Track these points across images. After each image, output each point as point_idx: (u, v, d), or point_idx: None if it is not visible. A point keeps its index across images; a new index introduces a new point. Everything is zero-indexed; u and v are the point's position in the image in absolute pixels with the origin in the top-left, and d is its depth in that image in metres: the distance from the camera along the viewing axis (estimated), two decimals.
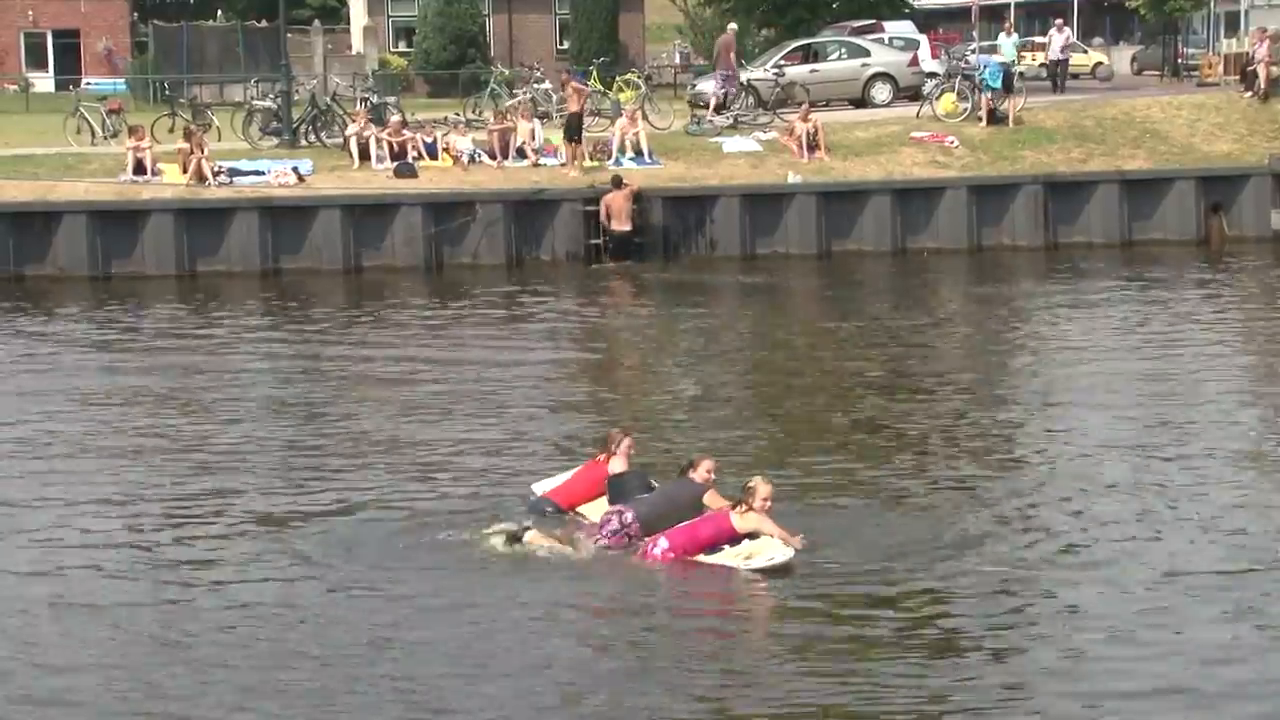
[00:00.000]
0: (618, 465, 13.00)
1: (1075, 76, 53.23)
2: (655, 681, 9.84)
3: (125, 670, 10.12)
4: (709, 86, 37.94)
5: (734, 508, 11.95)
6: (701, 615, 11.31)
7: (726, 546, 11.86)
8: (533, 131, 31.34)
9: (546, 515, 12.80)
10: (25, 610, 11.23)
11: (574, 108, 30.45)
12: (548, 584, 11.53)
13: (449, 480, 14.40)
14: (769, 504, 11.90)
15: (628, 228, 28.40)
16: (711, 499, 12.31)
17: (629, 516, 12.18)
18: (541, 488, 13.41)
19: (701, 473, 12.43)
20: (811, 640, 10.43)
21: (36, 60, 64.46)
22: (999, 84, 33.03)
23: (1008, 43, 36.99)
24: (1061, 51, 39.98)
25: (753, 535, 11.84)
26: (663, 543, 11.89)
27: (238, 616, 10.99)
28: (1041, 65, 41.10)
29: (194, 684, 9.85)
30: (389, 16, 61.12)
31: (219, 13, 74.75)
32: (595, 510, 12.81)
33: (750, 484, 11.98)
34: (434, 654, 10.25)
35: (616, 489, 12.78)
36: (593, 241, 28.73)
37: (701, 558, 11.86)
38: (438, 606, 11.07)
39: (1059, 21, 41.08)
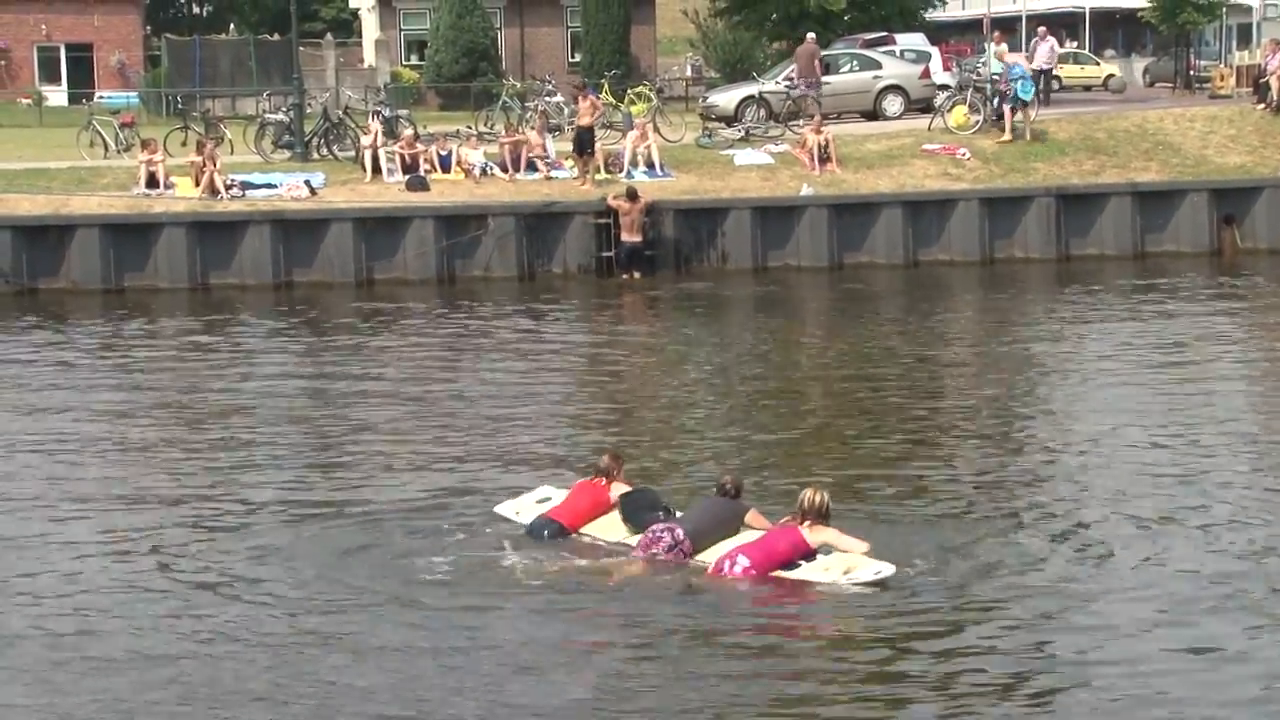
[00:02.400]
0: (620, 488, 12.89)
1: (1087, 88, 53.26)
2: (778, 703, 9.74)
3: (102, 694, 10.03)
4: (719, 100, 37.95)
5: (801, 522, 11.80)
6: (821, 634, 11.02)
7: (802, 562, 11.73)
8: (544, 144, 31.38)
9: (547, 538, 12.58)
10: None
11: (585, 121, 30.44)
12: (648, 603, 11.35)
13: (464, 494, 14.36)
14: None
15: (638, 239, 28.41)
16: (753, 518, 12.27)
17: (680, 534, 12.03)
18: (509, 509, 13.22)
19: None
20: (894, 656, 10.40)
21: (50, 74, 64.67)
22: (1029, 95, 32.77)
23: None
24: (1046, 61, 38.18)
25: (824, 548, 11.73)
26: (743, 560, 11.68)
27: (243, 629, 10.95)
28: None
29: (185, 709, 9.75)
30: (401, 30, 61.25)
31: (231, 26, 75.07)
32: (600, 529, 12.70)
33: (815, 498, 11.79)
34: (528, 677, 10.05)
35: (631, 507, 12.67)
36: (604, 254, 28.74)
37: (791, 574, 11.65)
38: (511, 627, 10.89)
39: (1042, 30, 40.22)
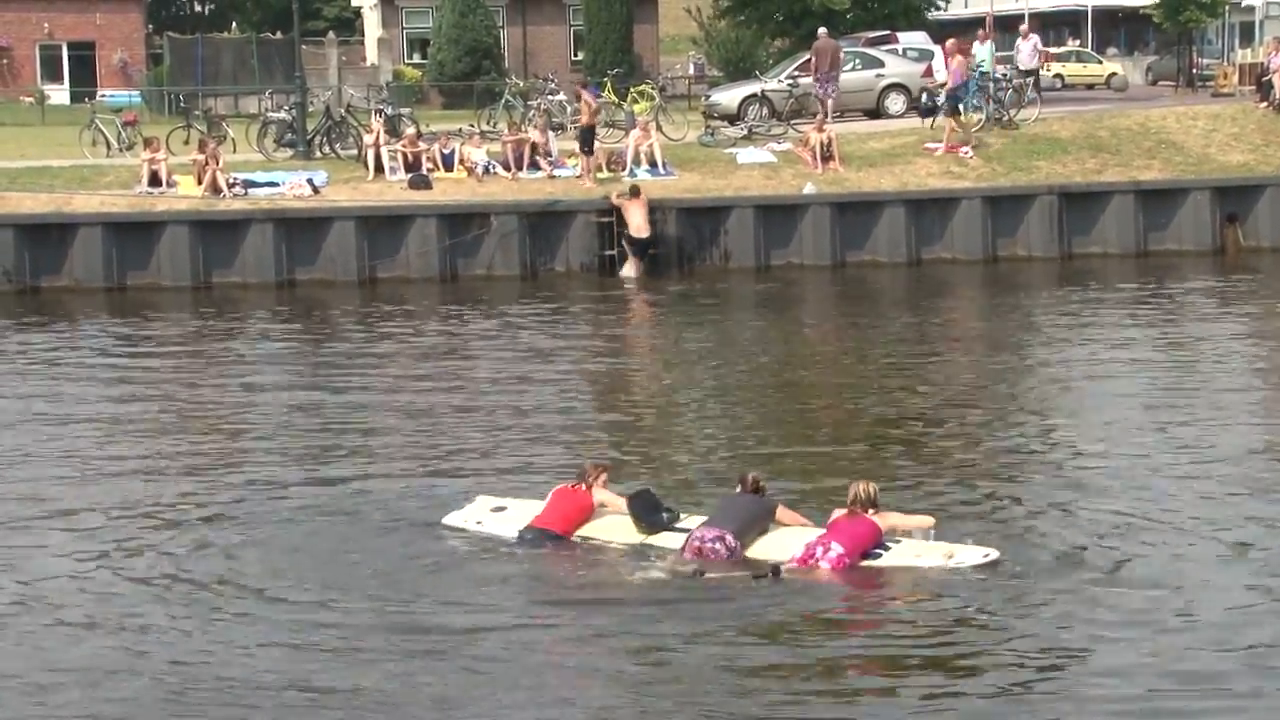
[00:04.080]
0: (601, 494, 12.81)
1: (1090, 87, 53.24)
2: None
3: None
4: (721, 98, 37.93)
5: (864, 511, 11.83)
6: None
7: (880, 550, 11.75)
8: (547, 143, 31.37)
9: (544, 544, 12.49)
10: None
11: (585, 120, 30.43)
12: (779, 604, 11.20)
13: (463, 496, 14.35)
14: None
15: (647, 234, 28.35)
16: (783, 514, 12.27)
17: (732, 539, 11.88)
18: (463, 518, 13.09)
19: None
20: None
21: (52, 72, 64.76)
22: (969, 108, 32.80)
23: (983, 50, 35.78)
24: (1030, 61, 37.43)
25: (891, 534, 11.85)
26: (836, 547, 11.61)
27: (250, 633, 10.93)
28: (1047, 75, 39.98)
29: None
30: (404, 28, 61.30)
31: (234, 25, 75.04)
32: (600, 532, 12.62)
33: (867, 488, 11.90)
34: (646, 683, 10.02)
35: (642, 508, 12.57)
36: (607, 252, 28.74)
37: (879, 562, 11.64)
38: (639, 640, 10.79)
39: (1023, 29, 39.85)
